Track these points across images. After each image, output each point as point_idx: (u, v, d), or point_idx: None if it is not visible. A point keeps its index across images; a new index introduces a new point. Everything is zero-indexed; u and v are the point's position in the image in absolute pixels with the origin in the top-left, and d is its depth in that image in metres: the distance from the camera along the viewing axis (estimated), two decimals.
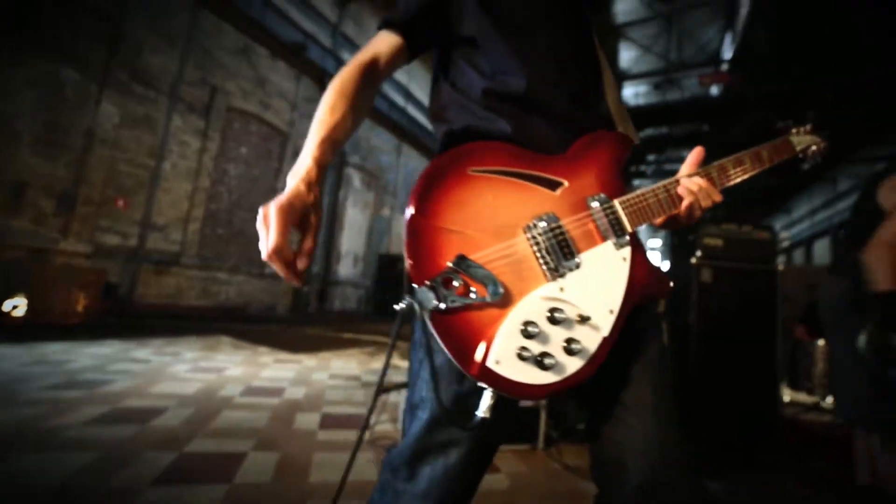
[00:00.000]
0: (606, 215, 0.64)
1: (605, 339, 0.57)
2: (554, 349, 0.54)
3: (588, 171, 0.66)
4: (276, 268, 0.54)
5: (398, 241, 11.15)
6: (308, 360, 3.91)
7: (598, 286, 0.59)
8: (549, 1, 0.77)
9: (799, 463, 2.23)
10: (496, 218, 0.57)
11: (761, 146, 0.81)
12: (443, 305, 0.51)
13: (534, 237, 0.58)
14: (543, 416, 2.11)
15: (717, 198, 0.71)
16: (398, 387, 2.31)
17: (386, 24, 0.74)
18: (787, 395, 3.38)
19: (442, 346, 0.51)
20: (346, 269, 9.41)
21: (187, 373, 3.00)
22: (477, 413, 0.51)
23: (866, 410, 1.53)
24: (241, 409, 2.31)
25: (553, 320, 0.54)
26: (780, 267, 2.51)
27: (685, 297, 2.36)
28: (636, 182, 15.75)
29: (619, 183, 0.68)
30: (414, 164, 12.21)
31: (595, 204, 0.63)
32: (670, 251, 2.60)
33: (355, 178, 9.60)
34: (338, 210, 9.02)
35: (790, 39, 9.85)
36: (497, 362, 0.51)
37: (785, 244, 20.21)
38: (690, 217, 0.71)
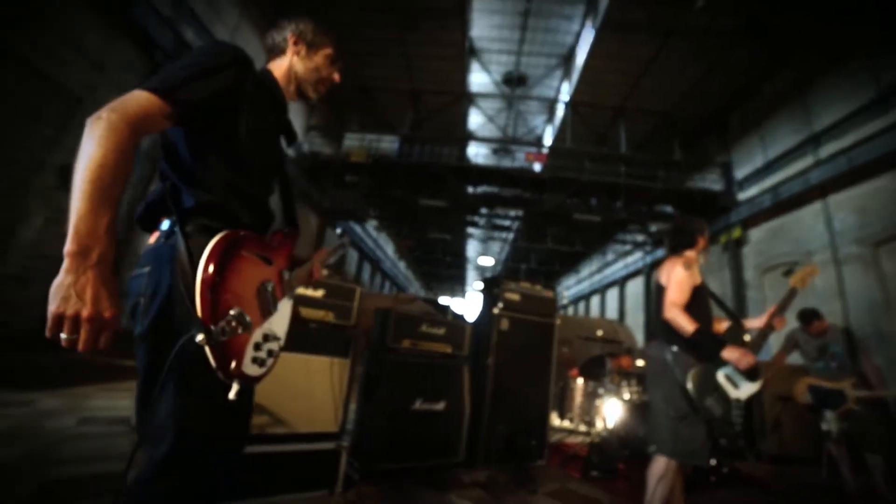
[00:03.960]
0: (289, 281, 1.08)
1: (281, 347, 0.98)
2: (264, 355, 0.91)
3: (282, 255, 1.09)
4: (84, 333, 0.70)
5: None
6: (47, 401, 2.89)
7: (281, 319, 1.04)
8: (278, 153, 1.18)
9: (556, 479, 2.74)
10: (250, 283, 0.92)
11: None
12: (224, 337, 0.79)
13: (263, 295, 0.94)
14: (344, 456, 2.06)
15: (317, 276, 1.28)
16: None
17: (166, 95, 0.84)
18: (556, 422, 4.18)
19: (213, 361, 0.78)
20: None
21: None
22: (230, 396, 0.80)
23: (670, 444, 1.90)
24: None
25: (266, 338, 0.92)
26: (558, 321, 3.17)
27: (486, 341, 2.73)
28: (469, 230, 17.82)
29: (293, 262, 1.16)
30: None
31: (285, 275, 1.07)
32: (482, 300, 2.99)
33: None
34: None
35: (584, 146, 13.05)
36: (243, 365, 0.83)
37: (564, 301, 25.90)
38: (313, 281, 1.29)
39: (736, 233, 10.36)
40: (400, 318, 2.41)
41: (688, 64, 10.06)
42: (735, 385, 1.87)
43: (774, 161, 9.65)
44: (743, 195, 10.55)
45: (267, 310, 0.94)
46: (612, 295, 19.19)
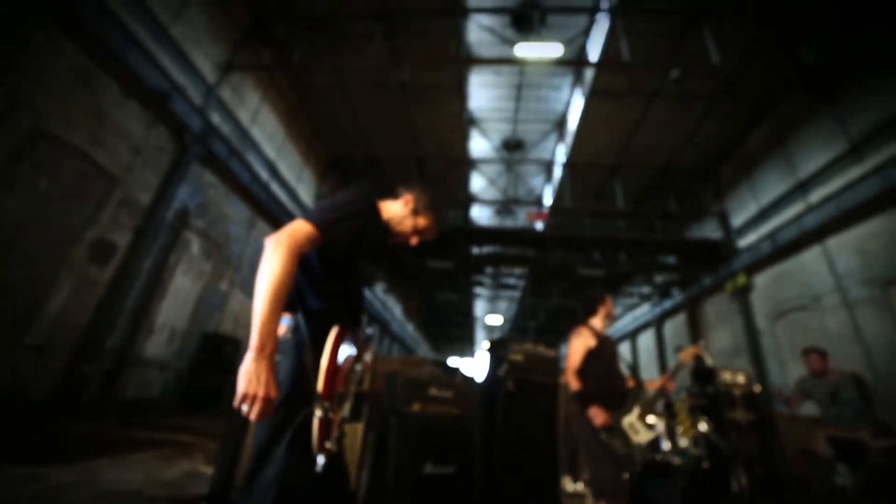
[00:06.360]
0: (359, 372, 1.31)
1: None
2: (339, 434, 1.15)
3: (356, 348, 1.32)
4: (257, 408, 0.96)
5: (232, 320, 9.77)
6: (60, 475, 2.88)
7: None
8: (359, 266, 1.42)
9: None
10: (346, 370, 1.18)
11: None
12: (331, 414, 1.06)
13: (351, 382, 1.21)
14: None
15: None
16: (201, 499, 1.92)
17: (323, 230, 1.18)
18: (569, 487, 4.01)
19: (316, 434, 1.02)
20: (156, 346, 7.56)
21: None
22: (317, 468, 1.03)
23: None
24: None
25: (343, 420, 1.15)
26: (562, 380, 3.22)
27: (494, 403, 2.78)
28: (476, 290, 17.98)
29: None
30: None
31: (358, 366, 1.29)
32: (489, 361, 3.09)
33: (195, 243, 8.39)
34: (163, 275, 7.59)
35: (583, 203, 13.56)
36: (330, 441, 1.07)
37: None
38: None
39: (741, 280, 10.39)
40: (408, 382, 2.51)
41: (674, 122, 10.79)
42: (636, 432, 2.24)
43: (768, 208, 9.95)
44: (743, 242, 10.73)
45: (351, 394, 1.19)
46: (624, 349, 18.67)
